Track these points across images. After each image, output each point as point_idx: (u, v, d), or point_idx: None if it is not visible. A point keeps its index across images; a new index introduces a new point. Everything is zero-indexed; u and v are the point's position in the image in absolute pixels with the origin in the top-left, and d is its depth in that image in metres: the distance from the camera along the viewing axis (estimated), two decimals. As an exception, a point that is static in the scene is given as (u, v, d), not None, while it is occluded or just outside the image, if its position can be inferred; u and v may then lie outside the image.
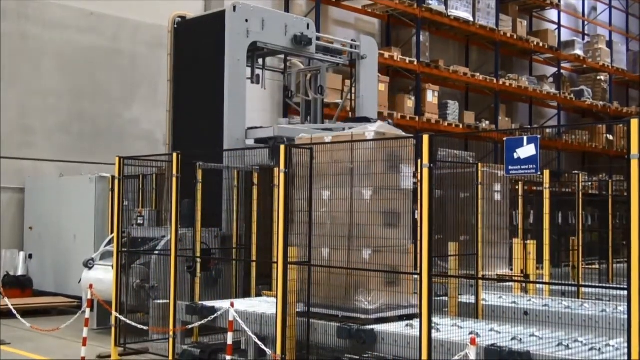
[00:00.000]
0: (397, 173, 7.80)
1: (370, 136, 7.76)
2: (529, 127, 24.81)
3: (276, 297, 7.70)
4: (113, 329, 9.64)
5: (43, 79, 15.58)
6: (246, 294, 10.63)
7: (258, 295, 10.38)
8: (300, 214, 8.07)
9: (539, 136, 6.54)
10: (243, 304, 8.98)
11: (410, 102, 19.95)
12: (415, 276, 6.85)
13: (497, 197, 8.05)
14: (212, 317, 8.61)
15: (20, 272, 14.41)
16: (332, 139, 8.11)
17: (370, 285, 7.60)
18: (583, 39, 28.78)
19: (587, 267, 14.99)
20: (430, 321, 6.47)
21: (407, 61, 19.97)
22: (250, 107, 12.67)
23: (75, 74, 16.01)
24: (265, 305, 8.98)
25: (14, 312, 10.79)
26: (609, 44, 28.62)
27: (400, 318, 7.68)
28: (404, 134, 8.60)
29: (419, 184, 6.77)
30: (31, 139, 15.38)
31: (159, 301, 9.67)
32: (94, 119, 16.20)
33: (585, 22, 29.75)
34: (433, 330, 6.57)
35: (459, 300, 8.80)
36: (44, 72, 15.61)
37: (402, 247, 7.77)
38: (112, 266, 10.14)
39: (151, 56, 16.86)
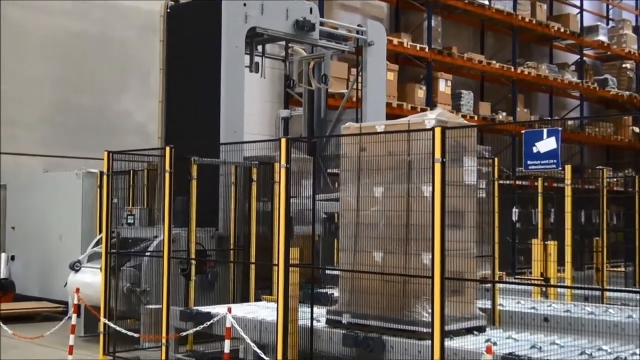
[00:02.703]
0: (460, 166, 7.53)
1: (430, 125, 7.40)
2: (549, 118, 24.75)
3: (277, 302, 7.68)
4: (101, 336, 9.63)
5: (26, 67, 15.57)
6: (245, 298, 10.61)
7: (257, 300, 10.37)
8: (348, 213, 7.90)
9: (560, 129, 6.51)
10: (241, 310, 8.97)
11: (421, 92, 19.91)
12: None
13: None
14: (208, 323, 8.60)
15: (1, 275, 14.42)
16: (385, 128, 7.86)
17: (432, 294, 7.30)
18: (607, 23, 28.69)
19: (612, 269, 14.93)
20: (442, 329, 6.44)
21: (418, 48, 19.92)
22: (249, 97, 12.63)
23: (61, 62, 16.00)
24: (265, 310, 8.96)
25: (-5, 318, 10.79)
26: (636, 29, 28.52)
27: (467, 331, 7.43)
28: (466, 122, 8.49)
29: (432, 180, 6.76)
30: (13, 131, 15.37)
31: (150, 306, 9.66)
32: (80, 110, 16.20)
33: (610, 6, 29.65)
34: (446, 338, 6.55)
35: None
36: (26, 60, 15.59)
37: (467, 251, 7.49)
38: (101, 269, 10.13)
39: (143, 43, 16.84)
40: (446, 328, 7.11)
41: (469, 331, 7.44)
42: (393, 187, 7.65)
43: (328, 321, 7.88)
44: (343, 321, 7.67)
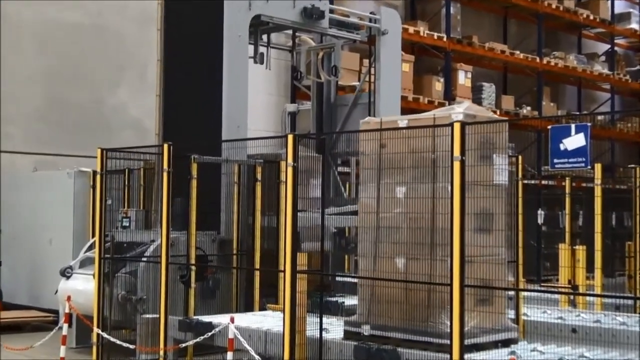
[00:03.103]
0: (490, 165, 7.51)
1: (458, 119, 7.39)
2: (578, 113, 24.66)
3: (283, 311, 7.68)
4: (94, 348, 9.65)
5: (16, 60, 15.59)
6: (248, 307, 10.61)
7: (262, 309, 10.37)
8: (368, 216, 7.87)
9: (589, 124, 6.48)
10: (245, 319, 8.97)
11: (438, 85, 19.87)
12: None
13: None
14: (209, 334, 8.61)
15: (-13, 282, 14.46)
16: (408, 123, 7.81)
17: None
18: (640, 10, 28.58)
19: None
20: (462, 341, 6.42)
21: (435, 37, 19.88)
22: (253, 90, 12.63)
23: (53, 55, 16.02)
24: (270, 320, 8.96)
25: (-19, 328, 10.82)
26: (671, 17, 28.41)
27: (496, 344, 7.39)
28: (495, 116, 8.45)
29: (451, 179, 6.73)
30: (2, 128, 15.40)
31: (147, 315, 9.66)
32: (73, 105, 16.22)
33: (643, -9, 29.54)
34: (468, 352, 6.52)
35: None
36: (17, 53, 15.62)
37: (496, 257, 7.46)
38: (94, 275, 10.14)
39: (139, 34, 16.86)
40: (474, 341, 7.12)
41: (498, 344, 7.40)
42: (417, 187, 7.59)
43: (346, 333, 7.85)
44: (363, 333, 7.63)
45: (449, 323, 7.08)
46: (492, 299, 7.44)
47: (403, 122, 7.88)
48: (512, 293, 8.98)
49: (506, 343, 7.45)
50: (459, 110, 7.61)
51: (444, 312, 7.25)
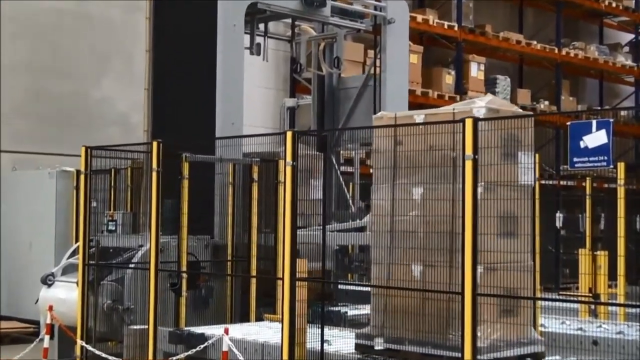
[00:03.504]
0: (515, 163, 7.47)
1: (480, 114, 7.35)
2: (599, 108, 24.66)
3: (281, 321, 7.68)
4: (78, 361, 9.64)
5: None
6: (244, 317, 10.62)
7: (259, 319, 10.37)
8: (382, 219, 7.84)
9: (611, 120, 6.48)
10: (240, 331, 8.97)
11: (449, 78, 19.88)
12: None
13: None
14: (202, 346, 8.60)
15: (-37, 290, 14.47)
16: (426, 118, 7.76)
17: (482, 315, 7.09)
18: (667, -3, 28.57)
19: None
20: (475, 356, 6.42)
21: (446, 26, 19.88)
22: (249, 84, 12.64)
23: (33, 45, 16.00)
24: (267, 332, 8.96)
25: (-44, 339, 10.82)
26: (700, 4, 28.40)
27: (520, 358, 7.36)
28: (520, 110, 8.44)
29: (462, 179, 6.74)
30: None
31: (135, 327, 9.66)
32: (54, 98, 16.21)
33: (670, -23, 29.52)
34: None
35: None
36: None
37: (522, 264, 7.43)
38: (77, 283, 10.14)
39: (127, 21, 16.86)
40: (498, 355, 7.09)
41: (523, 358, 7.37)
42: (435, 187, 7.53)
43: (357, 347, 7.83)
44: (376, 347, 7.60)
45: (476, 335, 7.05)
46: (518, 310, 7.38)
47: (420, 117, 7.85)
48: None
49: (534, 357, 7.40)
50: (481, 104, 7.57)
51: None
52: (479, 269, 7.09)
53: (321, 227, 8.14)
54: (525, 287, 7.46)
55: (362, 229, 11.30)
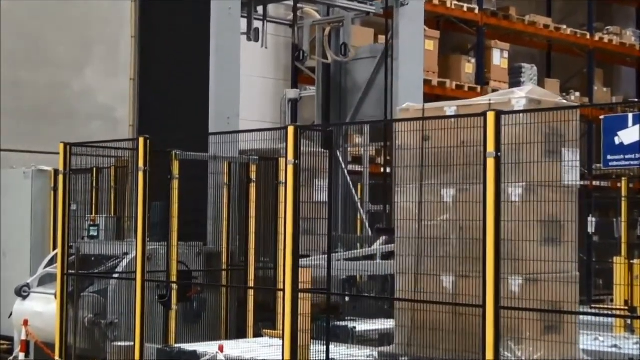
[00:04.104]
0: (558, 161, 7.47)
1: (520, 105, 7.40)
2: (636, 100, 24.64)
3: (282, 337, 7.69)
4: (56, 382, 9.66)
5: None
6: (240, 333, 10.63)
7: (257, 335, 10.39)
8: (408, 224, 7.83)
9: (650, 113, 6.48)
10: (236, 348, 8.98)
11: (469, 66, 19.86)
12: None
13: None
14: (194, 365, 8.63)
15: None
16: (458, 110, 7.77)
17: (523, 332, 7.16)
18: None
19: None
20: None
21: (466, 9, 19.87)
22: (247, 73, 12.65)
23: (6, 30, 16.02)
24: (267, 349, 8.97)
25: None
26: None
27: None
28: (564, 101, 8.42)
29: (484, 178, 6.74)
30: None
31: (119, 343, 9.67)
32: (31, 90, 16.22)
33: None
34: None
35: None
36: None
37: (566, 274, 7.42)
38: (55, 295, 10.15)
39: (110, 4, 16.87)
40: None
41: None
42: (468, 188, 7.50)
43: None
44: None
45: (507, 354, 7.05)
46: (561, 326, 7.37)
47: (451, 109, 7.86)
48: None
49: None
50: (521, 94, 7.58)
51: (501, 341, 7.07)
52: (519, 280, 7.11)
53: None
54: (570, 301, 7.41)
55: (372, 257, 11.31)
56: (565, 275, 7.40)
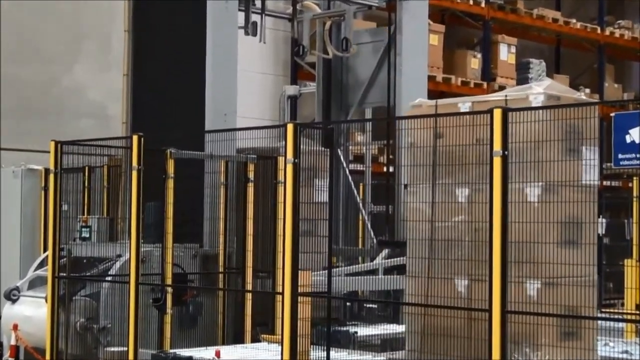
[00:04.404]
0: (577, 159, 7.47)
1: (538, 102, 7.40)
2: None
3: (281, 343, 7.71)
4: (47, 389, 9.68)
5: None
6: (238, 338, 10.65)
7: (255, 340, 10.40)
8: (420, 225, 7.84)
9: (663, 110, 6.51)
10: (233, 353, 9.00)
11: (475, 62, 19.87)
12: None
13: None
14: (189, 371, 8.65)
15: None
16: (473, 107, 7.76)
17: (539, 338, 7.17)
18: None
19: None
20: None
21: (471, 2, 19.88)
22: (244, 68, 12.66)
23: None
24: (265, 354, 8.99)
25: None
26: None
27: None
28: (584, 97, 8.41)
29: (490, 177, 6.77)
30: None
31: (112, 349, 9.69)
32: (19, 86, 16.24)
33: None
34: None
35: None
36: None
37: (585, 278, 7.39)
38: (46, 298, 10.17)
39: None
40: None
41: None
42: (484, 188, 7.39)
43: None
44: None
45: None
46: (580, 332, 7.35)
47: (465, 105, 7.85)
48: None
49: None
50: (539, 89, 7.57)
51: (517, 348, 7.17)
52: (536, 284, 7.11)
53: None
54: (589, 306, 7.38)
55: (374, 272, 11.32)
56: (584, 279, 7.38)
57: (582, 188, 7.50)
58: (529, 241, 7.21)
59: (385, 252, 11.55)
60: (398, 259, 11.10)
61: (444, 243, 7.65)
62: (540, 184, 7.21)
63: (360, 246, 13.56)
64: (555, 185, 7.27)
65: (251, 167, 10.88)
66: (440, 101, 8.29)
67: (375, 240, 12.63)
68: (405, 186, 10.99)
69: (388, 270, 11.36)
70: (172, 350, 9.36)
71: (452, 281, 7.61)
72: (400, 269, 10.94)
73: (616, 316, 10.70)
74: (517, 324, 7.06)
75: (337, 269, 11.15)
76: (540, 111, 7.22)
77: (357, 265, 11.83)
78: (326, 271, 8.16)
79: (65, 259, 10.41)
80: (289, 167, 7.75)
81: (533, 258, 7.23)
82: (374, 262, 11.59)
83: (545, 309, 7.12)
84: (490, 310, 6.65)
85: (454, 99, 8.97)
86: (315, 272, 9.05)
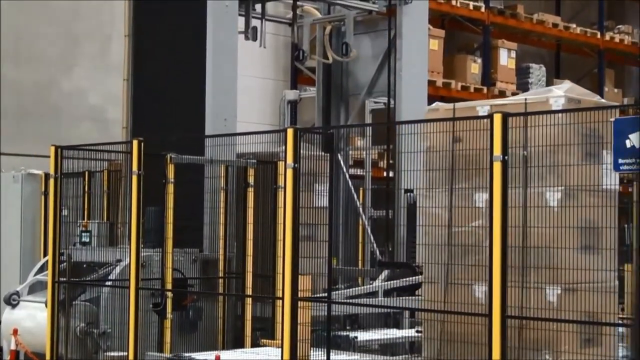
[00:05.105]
0: (597, 163, 7.43)
1: (559, 105, 7.38)
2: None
3: (281, 347, 7.72)
4: (47, 393, 9.69)
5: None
6: (238, 342, 10.65)
7: (255, 344, 10.41)
8: (437, 231, 7.81)
9: (663, 115, 6.51)
10: (233, 357, 9.00)
11: (475, 67, 19.88)
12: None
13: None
14: (189, 376, 8.66)
15: None
16: (490, 111, 7.65)
17: (560, 344, 7.12)
18: None
19: None
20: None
21: (471, 7, 19.89)
22: (244, 73, 12.67)
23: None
24: (264, 359, 8.99)
25: None
26: None
27: None
28: (604, 100, 8.35)
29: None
30: None
31: (112, 353, 9.70)
32: (18, 90, 16.23)
33: None
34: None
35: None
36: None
37: (604, 284, 7.38)
38: (46, 303, 10.17)
39: (102, 1, 16.88)
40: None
41: None
42: None
43: None
44: None
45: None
46: (600, 339, 7.31)
47: (484, 108, 7.81)
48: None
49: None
50: (559, 92, 7.54)
51: (539, 355, 7.16)
52: (557, 290, 7.08)
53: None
54: (609, 312, 7.37)
55: (374, 294, 11.30)
56: (603, 285, 7.34)
57: (602, 192, 7.49)
58: (549, 246, 7.20)
59: (385, 273, 11.51)
60: (398, 280, 11.06)
61: (462, 248, 7.63)
62: (561, 188, 7.20)
63: (360, 250, 13.59)
64: (575, 189, 7.25)
65: (251, 171, 10.88)
66: (458, 105, 8.23)
67: (377, 252, 12.61)
68: (406, 191, 11.02)
69: (388, 292, 11.31)
70: (172, 355, 9.37)
71: (471, 287, 7.59)
72: (400, 291, 10.95)
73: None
74: (536, 330, 7.08)
75: (337, 292, 11.08)
76: (560, 115, 7.21)
77: (357, 288, 11.77)
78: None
79: (65, 263, 10.42)
80: (289, 172, 7.77)
81: (553, 263, 7.21)
82: (374, 284, 11.53)
83: (566, 315, 7.09)
84: (490, 315, 6.66)
85: (472, 102, 8.94)
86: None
